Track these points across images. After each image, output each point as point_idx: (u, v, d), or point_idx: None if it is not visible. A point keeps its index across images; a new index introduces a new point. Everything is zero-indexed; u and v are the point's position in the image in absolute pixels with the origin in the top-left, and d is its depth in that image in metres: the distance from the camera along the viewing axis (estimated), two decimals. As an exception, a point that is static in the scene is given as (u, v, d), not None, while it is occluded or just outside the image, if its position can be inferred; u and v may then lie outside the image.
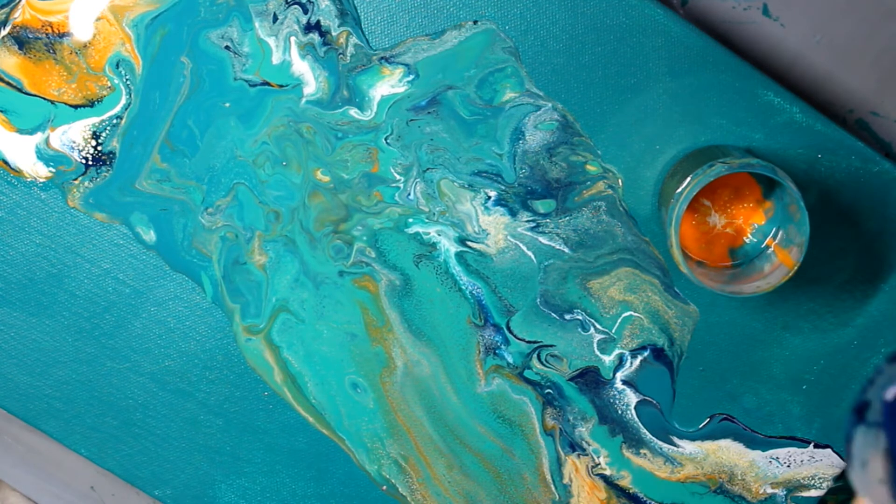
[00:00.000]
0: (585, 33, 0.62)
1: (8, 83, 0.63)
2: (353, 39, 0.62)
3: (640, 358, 0.65)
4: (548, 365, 0.65)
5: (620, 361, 0.65)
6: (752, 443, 0.66)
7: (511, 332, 0.65)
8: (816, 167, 0.63)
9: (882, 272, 0.64)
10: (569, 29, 0.62)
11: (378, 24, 0.62)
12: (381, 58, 0.62)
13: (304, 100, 0.63)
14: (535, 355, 0.65)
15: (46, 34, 0.62)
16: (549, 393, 0.66)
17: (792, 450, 0.66)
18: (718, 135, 0.63)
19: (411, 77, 0.63)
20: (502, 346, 0.65)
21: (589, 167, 0.63)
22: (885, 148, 0.68)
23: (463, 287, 0.65)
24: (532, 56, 0.62)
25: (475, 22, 0.62)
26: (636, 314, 0.65)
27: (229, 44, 0.62)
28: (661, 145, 0.63)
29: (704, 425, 0.66)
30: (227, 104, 0.63)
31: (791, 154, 0.63)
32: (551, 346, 0.65)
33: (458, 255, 0.64)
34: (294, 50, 0.62)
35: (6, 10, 0.62)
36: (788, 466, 0.66)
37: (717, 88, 0.62)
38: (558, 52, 0.62)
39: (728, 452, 0.66)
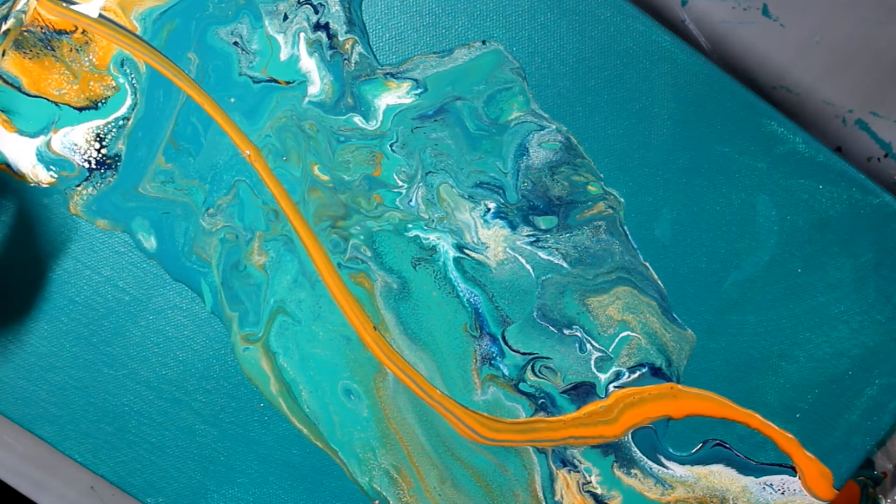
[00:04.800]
0: (592, 57, 0.62)
1: (7, 82, 0.62)
2: (359, 48, 0.62)
3: (638, 374, 0.65)
4: (541, 376, 0.66)
5: (617, 377, 0.65)
6: (744, 469, 0.66)
7: (507, 343, 0.65)
8: (818, 197, 0.63)
9: (878, 304, 0.64)
10: (576, 52, 0.62)
11: (386, 40, 0.62)
12: (388, 73, 0.62)
13: (307, 99, 0.63)
14: (529, 367, 0.65)
15: (42, 29, 0.62)
16: (542, 402, 0.66)
17: (786, 477, 0.66)
18: (722, 163, 0.63)
19: (419, 91, 0.63)
20: (498, 358, 0.65)
21: (591, 188, 0.64)
22: (885, 148, 0.68)
23: (461, 294, 0.65)
24: (538, 78, 0.62)
25: (483, 42, 0.62)
26: (634, 334, 0.65)
27: (238, 40, 0.62)
28: (664, 172, 0.63)
29: (697, 450, 0.66)
30: (233, 99, 0.63)
31: (793, 184, 0.63)
32: (547, 358, 0.65)
33: (457, 261, 0.64)
34: (303, 45, 0.62)
35: (7, 6, 0.62)
36: (783, 493, 0.66)
37: (721, 117, 0.62)
38: (564, 75, 0.62)
39: (720, 477, 0.66)
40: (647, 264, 0.64)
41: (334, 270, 0.64)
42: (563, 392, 0.66)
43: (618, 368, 0.65)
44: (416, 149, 0.63)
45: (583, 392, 0.66)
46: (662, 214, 0.64)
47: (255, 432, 0.66)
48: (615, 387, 0.65)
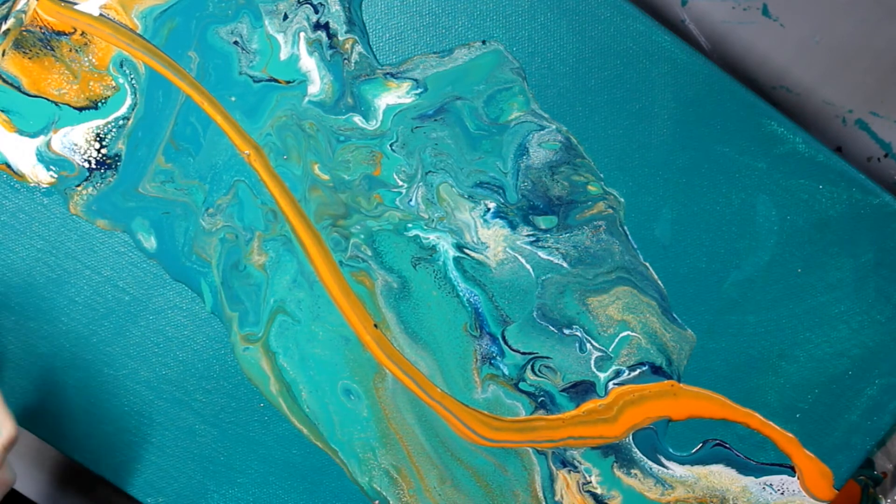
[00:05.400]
0: (592, 58, 0.62)
1: (7, 82, 0.62)
2: (359, 48, 0.62)
3: (638, 371, 0.65)
4: (541, 375, 0.66)
5: (617, 375, 0.65)
6: (744, 469, 0.66)
7: (506, 342, 0.65)
8: (818, 197, 0.63)
9: (879, 304, 0.64)
10: (576, 53, 0.62)
11: (386, 40, 0.62)
12: (388, 73, 0.62)
13: (307, 98, 0.63)
14: (529, 366, 0.65)
15: (41, 29, 0.62)
16: (542, 401, 0.66)
17: (785, 477, 0.66)
18: (722, 163, 0.63)
19: (419, 91, 0.63)
20: (498, 357, 0.65)
21: (591, 188, 0.64)
22: (885, 148, 0.68)
23: (461, 293, 0.65)
24: (538, 78, 0.62)
25: (483, 42, 0.62)
26: (634, 334, 0.65)
27: (238, 39, 0.62)
28: (664, 172, 0.63)
29: (697, 450, 0.66)
30: (233, 98, 0.63)
31: (793, 184, 0.63)
32: (547, 357, 0.65)
33: (457, 261, 0.64)
34: (303, 45, 0.62)
35: (7, 6, 0.62)
36: (782, 494, 0.66)
37: (721, 117, 0.62)
38: (564, 75, 0.62)
39: (720, 477, 0.66)
40: (647, 264, 0.64)
41: (335, 269, 0.64)
42: (563, 390, 0.66)
43: (618, 367, 0.65)
44: (416, 148, 0.63)
45: (582, 390, 0.66)
46: (662, 214, 0.64)
47: (255, 432, 0.66)
48: (615, 384, 0.65)
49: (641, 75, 0.62)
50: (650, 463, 0.66)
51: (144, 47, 0.62)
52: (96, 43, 0.62)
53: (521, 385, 0.66)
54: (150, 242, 0.64)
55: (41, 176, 0.63)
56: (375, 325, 0.65)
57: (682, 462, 0.66)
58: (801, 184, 0.63)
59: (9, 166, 0.63)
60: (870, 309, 0.64)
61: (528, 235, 0.64)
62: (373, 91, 0.63)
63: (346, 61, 0.62)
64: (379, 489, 0.67)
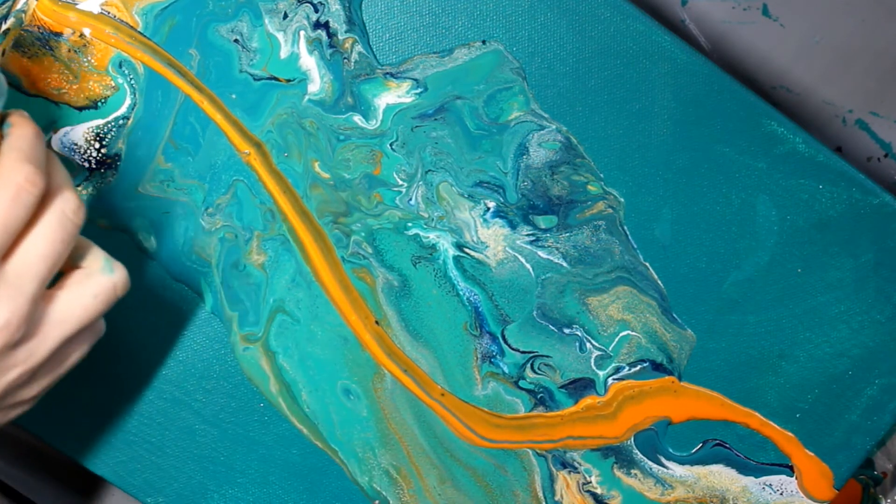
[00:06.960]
0: (592, 57, 0.62)
1: (7, 82, 0.62)
2: (359, 47, 0.62)
3: (639, 367, 0.65)
4: (540, 373, 0.66)
5: (616, 372, 0.66)
6: (744, 469, 0.66)
7: (506, 342, 0.65)
8: (818, 197, 0.63)
9: (879, 304, 0.64)
10: (576, 52, 0.62)
11: (386, 40, 0.62)
12: (388, 73, 0.62)
13: (307, 97, 0.63)
14: (528, 365, 0.66)
15: (38, 28, 0.62)
16: (541, 397, 0.66)
17: (785, 477, 0.66)
18: (722, 163, 0.63)
19: (419, 90, 0.63)
20: (497, 356, 0.65)
21: (590, 187, 0.64)
22: (885, 148, 0.68)
23: (461, 292, 0.65)
24: (538, 78, 0.62)
25: (483, 42, 0.62)
26: (634, 333, 0.65)
27: (238, 37, 0.62)
28: (664, 172, 0.63)
29: (697, 450, 0.66)
30: (234, 96, 0.63)
31: (793, 184, 0.63)
32: (546, 356, 0.65)
33: (457, 260, 0.64)
34: (303, 43, 0.62)
35: (6, 6, 0.62)
36: (781, 494, 0.67)
37: (721, 116, 0.62)
38: (564, 75, 0.62)
39: (720, 477, 0.66)
40: (647, 264, 0.64)
41: (337, 265, 0.64)
42: (562, 387, 0.66)
43: (618, 364, 0.65)
44: (416, 147, 0.63)
45: (581, 385, 0.66)
46: (662, 214, 0.64)
47: (255, 432, 0.66)
48: (615, 379, 0.65)
49: (641, 75, 0.62)
50: (650, 463, 0.66)
51: (145, 45, 0.62)
52: (95, 44, 0.62)
53: (521, 383, 0.66)
54: (150, 242, 0.64)
55: (41, 176, 0.63)
56: (377, 322, 0.65)
57: (682, 462, 0.66)
58: (801, 184, 0.63)
59: (8, 166, 0.63)
60: (870, 309, 0.65)
61: (528, 235, 0.64)
62: (373, 90, 0.63)
63: (345, 60, 0.62)
64: (379, 489, 0.67)
